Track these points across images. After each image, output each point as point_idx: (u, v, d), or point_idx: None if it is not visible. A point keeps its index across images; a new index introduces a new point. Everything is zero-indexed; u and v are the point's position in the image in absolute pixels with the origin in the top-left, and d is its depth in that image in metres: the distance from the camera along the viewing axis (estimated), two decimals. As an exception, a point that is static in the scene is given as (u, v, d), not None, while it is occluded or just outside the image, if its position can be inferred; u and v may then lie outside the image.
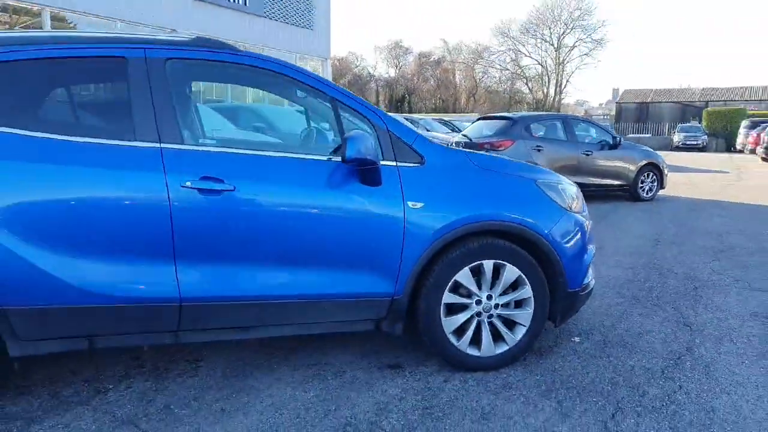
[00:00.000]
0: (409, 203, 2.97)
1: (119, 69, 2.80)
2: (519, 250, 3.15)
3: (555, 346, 3.54)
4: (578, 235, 3.32)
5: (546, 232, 3.17)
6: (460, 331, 3.16)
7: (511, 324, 3.23)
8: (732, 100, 45.71)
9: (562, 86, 55.64)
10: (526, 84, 57.65)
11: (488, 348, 3.19)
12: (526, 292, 3.19)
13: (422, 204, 2.99)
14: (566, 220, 3.28)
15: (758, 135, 23.06)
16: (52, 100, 2.97)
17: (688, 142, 31.57)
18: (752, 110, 36.13)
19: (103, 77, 2.92)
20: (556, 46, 52.72)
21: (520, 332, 3.23)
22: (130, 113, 2.75)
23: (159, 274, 2.75)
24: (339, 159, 2.92)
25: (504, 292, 3.19)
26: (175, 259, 2.75)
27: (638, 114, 48.64)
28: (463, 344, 3.15)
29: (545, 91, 56.14)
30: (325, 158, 2.96)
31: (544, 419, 2.70)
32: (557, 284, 3.25)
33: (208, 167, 2.77)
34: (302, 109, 3.65)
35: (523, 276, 3.17)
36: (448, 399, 2.89)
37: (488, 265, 3.12)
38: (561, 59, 54.21)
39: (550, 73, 55.17)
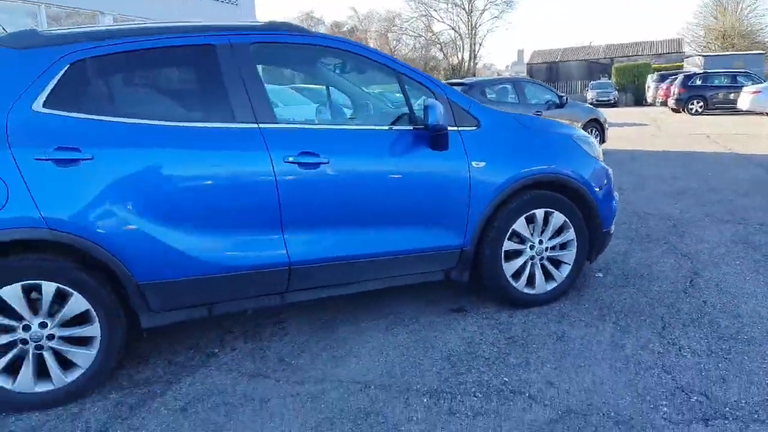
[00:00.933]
0: (473, 163, 3.37)
1: (209, 56, 3.01)
2: (564, 199, 3.64)
3: (585, 282, 4.07)
4: (607, 182, 3.85)
5: (585, 180, 3.67)
6: (516, 274, 3.62)
7: (557, 263, 3.73)
8: (633, 55, 48.39)
9: (476, 51, 56.93)
10: (441, 50, 58.51)
11: (541, 286, 3.68)
12: (570, 234, 3.69)
13: (484, 163, 3.39)
14: (599, 169, 3.79)
15: (668, 87, 24.76)
16: (147, 88, 3.15)
17: (600, 99, 33.32)
18: (654, 64, 38.63)
19: (195, 64, 3.10)
20: (467, 9, 53.72)
21: (566, 270, 3.74)
22: (227, 97, 2.98)
23: (270, 241, 3.03)
24: (409, 127, 3.28)
25: (552, 237, 3.67)
26: (282, 228, 3.04)
27: (549, 74, 50.47)
28: (521, 285, 3.63)
29: (460, 56, 57.21)
30: (406, 128, 3.29)
31: (610, 335, 3.22)
32: (594, 226, 3.77)
33: (305, 143, 3.06)
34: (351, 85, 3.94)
35: (568, 221, 3.66)
36: (522, 330, 3.36)
37: (539, 213, 3.59)
38: (473, 23, 55.33)
39: (464, 38, 56.25)
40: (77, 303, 2.73)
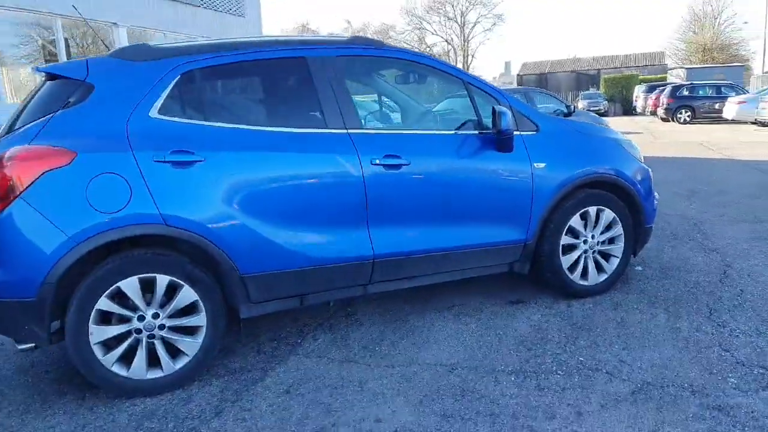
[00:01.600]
0: (535, 164, 3.66)
1: (302, 68, 3.28)
2: (613, 197, 3.93)
3: (628, 275, 4.35)
4: (649, 181, 4.16)
5: (631, 180, 3.97)
6: (571, 267, 3.90)
7: (607, 257, 4.02)
8: (619, 67, 49.40)
9: (469, 63, 57.77)
10: (433, 62, 59.10)
11: (594, 278, 3.96)
12: (618, 230, 3.99)
13: (544, 164, 3.68)
14: (641, 170, 4.10)
15: (657, 97, 25.41)
16: (250, 97, 3.41)
17: (591, 108, 33.99)
18: (640, 75, 39.53)
19: (290, 75, 3.37)
20: (460, 23, 54.55)
21: (615, 263, 4.03)
22: (319, 105, 3.25)
23: (357, 237, 3.29)
24: (476, 132, 3.56)
25: (603, 232, 3.96)
26: (368, 224, 3.29)
27: (539, 84, 51.24)
28: (576, 276, 3.91)
29: (453, 68, 57.88)
30: (474, 132, 3.58)
31: (665, 320, 3.51)
32: (638, 222, 4.07)
33: (389, 146, 3.33)
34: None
35: (616, 217, 3.96)
36: (583, 317, 3.63)
37: (592, 210, 3.88)
38: (466, 36, 56.24)
39: (456, 51, 57.11)
40: (186, 295, 2.96)
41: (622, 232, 4.00)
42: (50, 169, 2.72)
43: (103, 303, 2.81)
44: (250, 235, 3.04)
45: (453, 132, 3.59)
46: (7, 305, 2.74)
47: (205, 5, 16.93)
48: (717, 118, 22.08)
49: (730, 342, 3.20)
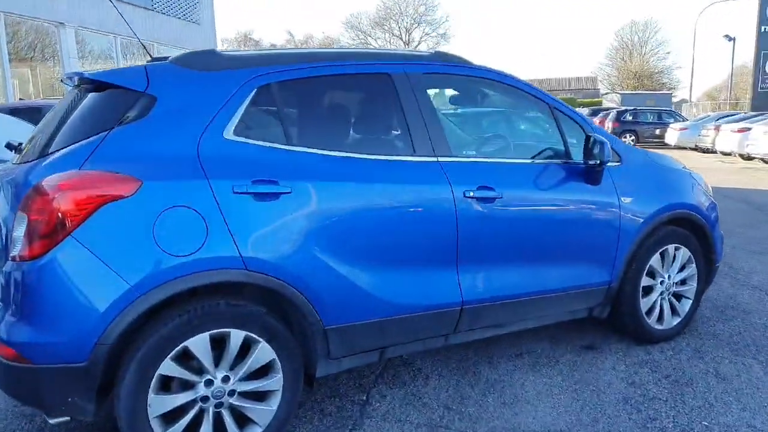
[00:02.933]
0: (622, 198, 3.34)
1: (387, 86, 2.83)
2: (690, 234, 3.66)
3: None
4: (718, 216, 3.93)
5: (707, 216, 3.72)
6: (649, 310, 3.59)
7: (679, 298, 3.74)
8: (553, 90, 51.10)
9: (410, 80, 57.90)
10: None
11: (668, 321, 3.67)
12: (693, 269, 3.72)
13: (631, 199, 3.37)
14: (713, 206, 3.86)
15: (601, 121, 26.19)
16: (333, 117, 2.91)
17: (533, 129, 34.79)
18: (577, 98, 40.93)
19: (375, 94, 2.91)
20: (405, 40, 54.82)
21: (687, 305, 3.75)
22: (407, 129, 2.81)
23: (447, 280, 2.85)
24: (560, 161, 3.22)
25: (678, 271, 3.68)
26: (457, 266, 2.86)
27: (477, 104, 52.32)
28: (653, 320, 3.60)
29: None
30: (560, 161, 3.22)
31: (762, 373, 3.24)
32: (709, 260, 3.83)
33: (481, 177, 2.92)
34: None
35: (692, 256, 3.69)
36: (673, 368, 3.31)
37: (671, 249, 3.59)
38: (410, 54, 56.49)
39: (398, 67, 57.16)
40: (263, 353, 2.43)
41: (695, 272, 3.74)
42: (109, 201, 2.16)
43: (167, 367, 2.25)
44: (337, 279, 2.55)
45: (544, 161, 3.21)
46: (49, 373, 2.14)
47: (158, 9, 16.02)
48: (659, 144, 22.91)
49: None
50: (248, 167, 2.41)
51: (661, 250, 3.54)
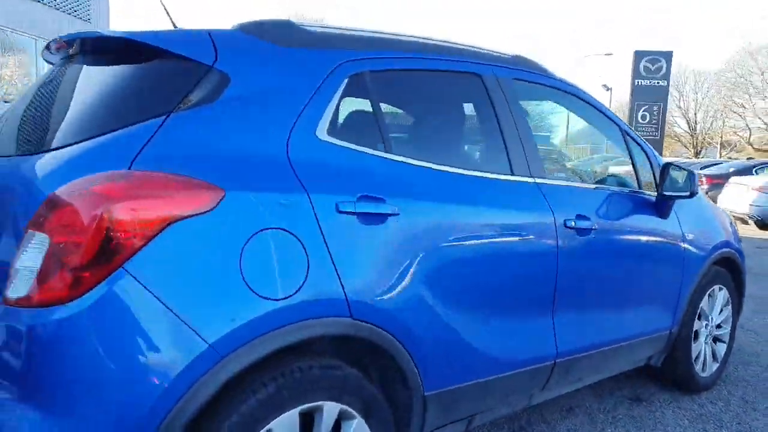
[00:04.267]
0: (686, 234, 3.04)
1: (480, 89, 2.32)
2: (728, 275, 3.45)
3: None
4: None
5: (743, 255, 3.54)
6: (696, 357, 3.30)
7: (716, 341, 3.50)
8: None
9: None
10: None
11: (709, 367, 3.41)
12: (729, 311, 3.51)
13: (693, 235, 3.08)
14: (740, 244, 3.69)
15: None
16: (434, 122, 2.33)
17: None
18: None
19: (469, 97, 2.37)
20: None
21: (722, 348, 3.52)
22: (504, 142, 2.30)
23: (543, 328, 2.36)
24: (633, 190, 2.88)
25: (718, 314, 3.45)
26: (553, 311, 2.38)
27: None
28: (699, 367, 3.32)
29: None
30: (630, 191, 2.86)
31: (826, 423, 3.04)
32: (740, 302, 3.64)
33: (578, 204, 2.48)
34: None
35: (729, 297, 3.48)
36: (738, 421, 3.02)
37: (716, 290, 3.35)
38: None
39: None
40: (358, 433, 1.77)
41: (730, 312, 3.53)
42: (180, 218, 1.44)
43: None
44: (442, 330, 1.97)
45: (619, 189, 2.83)
46: None
47: (45, 2, 14.31)
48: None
49: None
50: (350, 178, 1.78)
51: (709, 292, 3.29)
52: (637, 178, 2.91)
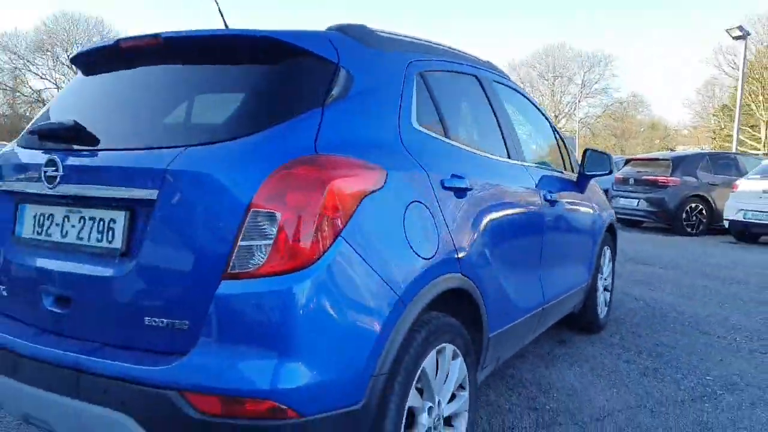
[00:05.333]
0: (594, 205, 3.88)
1: (478, 88, 2.82)
2: (610, 237, 4.38)
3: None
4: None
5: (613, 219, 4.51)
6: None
7: (605, 291, 4.42)
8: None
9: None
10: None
11: (603, 311, 4.31)
12: (611, 266, 4.46)
13: (597, 206, 3.94)
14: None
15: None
16: (466, 114, 2.75)
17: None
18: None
19: (477, 96, 2.80)
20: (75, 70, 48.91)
21: (608, 296, 4.45)
22: (501, 133, 2.84)
23: (538, 281, 2.97)
24: (559, 172, 3.61)
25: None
26: (540, 267, 2.98)
27: None
28: (599, 311, 4.17)
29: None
30: (564, 172, 3.58)
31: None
32: (615, 259, 4.62)
33: (546, 182, 3.11)
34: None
35: (611, 255, 4.43)
36: (635, 344, 3.91)
37: (606, 250, 4.26)
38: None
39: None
40: (461, 370, 2.17)
41: (612, 268, 4.49)
42: (369, 193, 1.73)
43: (412, 398, 1.86)
44: (496, 283, 2.45)
45: (564, 172, 3.55)
46: (322, 425, 1.56)
47: None
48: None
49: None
50: (442, 160, 2.18)
51: (603, 251, 4.17)
52: (563, 163, 3.64)
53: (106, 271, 1.69)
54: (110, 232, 1.72)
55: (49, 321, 1.82)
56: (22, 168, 1.97)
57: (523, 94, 3.45)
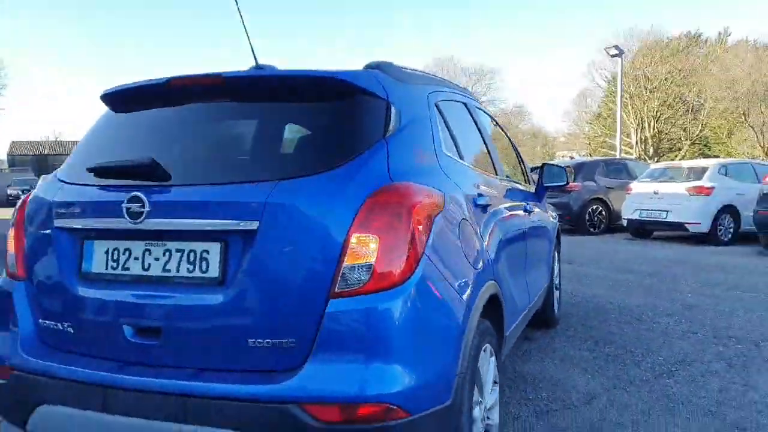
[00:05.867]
0: (549, 213, 4.31)
1: (467, 114, 3.13)
2: (557, 241, 4.86)
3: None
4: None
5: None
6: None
7: (556, 289, 4.88)
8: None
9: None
10: None
11: (556, 307, 4.76)
12: (558, 266, 4.92)
13: (550, 214, 4.37)
14: None
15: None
16: (472, 139, 2.99)
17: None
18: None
19: (475, 123, 3.10)
20: None
21: (557, 294, 4.92)
22: (489, 153, 3.16)
23: (525, 284, 3.29)
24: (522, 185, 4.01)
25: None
26: (525, 271, 3.32)
27: (39, 166, 47.11)
28: (554, 308, 4.62)
29: None
30: (525, 185, 3.97)
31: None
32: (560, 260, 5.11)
33: (524, 197, 3.49)
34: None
35: (557, 257, 4.90)
36: (586, 335, 4.37)
37: (555, 252, 4.71)
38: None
39: None
40: (493, 366, 2.44)
41: (559, 268, 4.96)
42: (437, 214, 1.97)
43: (475, 395, 2.11)
44: (509, 287, 2.77)
45: (526, 186, 3.91)
46: (426, 422, 1.77)
47: None
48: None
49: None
50: (467, 181, 2.45)
51: (554, 253, 4.62)
52: (524, 177, 4.03)
53: (202, 300, 1.80)
54: (203, 263, 1.83)
55: (134, 352, 1.88)
56: (88, 205, 2.00)
57: (488, 115, 3.79)
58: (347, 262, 1.73)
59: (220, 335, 1.79)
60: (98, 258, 1.98)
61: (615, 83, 37.31)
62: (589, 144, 47.20)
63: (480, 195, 2.46)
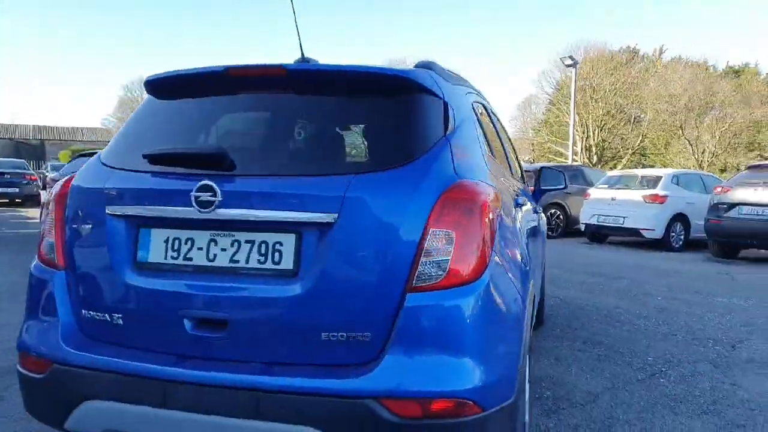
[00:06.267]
0: (541, 215, 4.39)
1: (487, 115, 3.17)
2: (546, 242, 4.98)
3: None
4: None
5: (548, 229, 5.13)
6: (539, 301, 4.72)
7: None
8: (66, 140, 48.04)
9: None
10: None
11: (542, 308, 4.87)
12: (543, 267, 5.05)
13: (542, 216, 4.45)
14: None
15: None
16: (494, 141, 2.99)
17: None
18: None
19: (488, 122, 3.11)
20: None
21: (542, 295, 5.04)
22: (505, 153, 3.21)
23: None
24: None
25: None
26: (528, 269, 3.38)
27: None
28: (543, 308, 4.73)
29: None
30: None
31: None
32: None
33: (531, 198, 3.53)
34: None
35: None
36: (574, 334, 4.50)
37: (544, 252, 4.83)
38: None
39: None
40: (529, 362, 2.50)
41: (544, 270, 5.08)
42: (500, 213, 2.02)
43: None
44: (536, 284, 2.81)
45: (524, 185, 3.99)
46: (497, 417, 1.78)
47: None
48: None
49: (662, 333, 4.72)
50: (507, 181, 2.48)
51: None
52: (522, 177, 4.10)
53: (275, 292, 1.75)
54: (276, 254, 1.79)
55: (194, 344, 1.81)
56: (147, 192, 1.91)
57: (497, 116, 3.85)
58: (423, 256, 1.73)
59: (293, 327, 1.75)
60: (156, 247, 1.89)
61: (562, 91, 38.64)
62: (533, 150, 48.38)
63: (518, 195, 2.50)
